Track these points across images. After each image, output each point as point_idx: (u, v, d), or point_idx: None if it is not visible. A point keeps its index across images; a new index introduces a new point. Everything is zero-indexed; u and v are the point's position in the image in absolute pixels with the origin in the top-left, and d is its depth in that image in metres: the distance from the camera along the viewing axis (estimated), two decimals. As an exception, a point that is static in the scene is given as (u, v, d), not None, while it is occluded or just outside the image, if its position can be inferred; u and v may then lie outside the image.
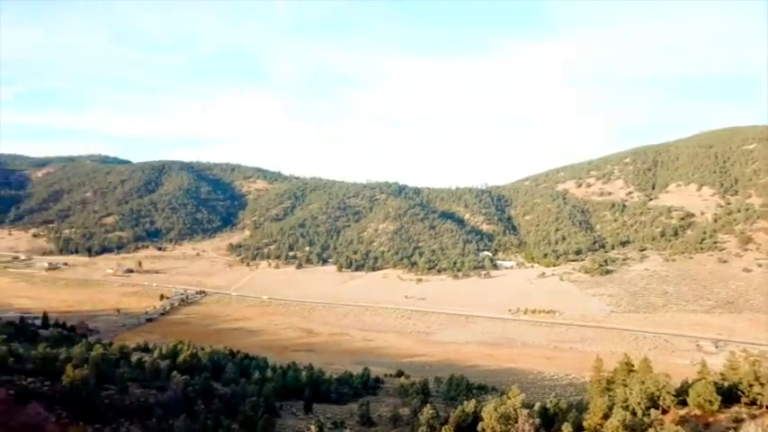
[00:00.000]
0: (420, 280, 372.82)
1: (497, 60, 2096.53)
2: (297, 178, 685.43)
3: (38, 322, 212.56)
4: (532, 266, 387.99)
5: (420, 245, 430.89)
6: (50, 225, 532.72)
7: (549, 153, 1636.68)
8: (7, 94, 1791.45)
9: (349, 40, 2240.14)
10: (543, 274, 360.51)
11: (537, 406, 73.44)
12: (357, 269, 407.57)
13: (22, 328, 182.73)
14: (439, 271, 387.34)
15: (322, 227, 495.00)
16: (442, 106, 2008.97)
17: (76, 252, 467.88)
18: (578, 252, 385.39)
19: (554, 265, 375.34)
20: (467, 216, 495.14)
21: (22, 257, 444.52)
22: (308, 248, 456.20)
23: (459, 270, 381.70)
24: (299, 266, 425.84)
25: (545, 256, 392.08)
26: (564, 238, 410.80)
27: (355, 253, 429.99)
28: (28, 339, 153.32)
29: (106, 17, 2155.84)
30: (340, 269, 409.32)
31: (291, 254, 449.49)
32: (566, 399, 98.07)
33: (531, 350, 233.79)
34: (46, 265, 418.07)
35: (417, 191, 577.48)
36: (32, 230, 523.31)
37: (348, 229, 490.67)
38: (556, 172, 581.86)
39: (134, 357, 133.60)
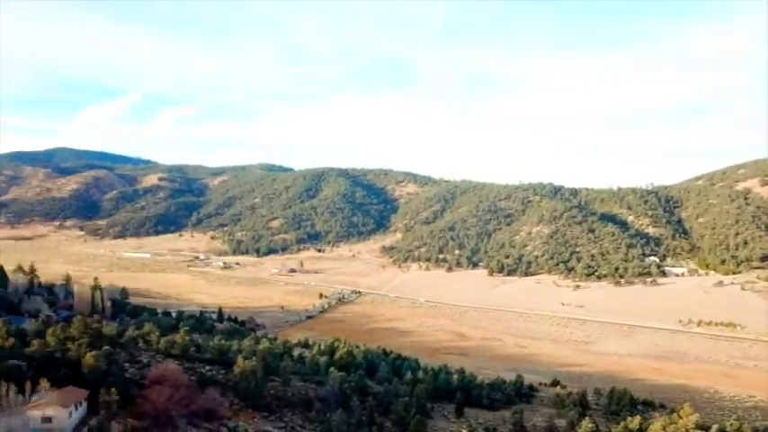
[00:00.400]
0: (578, 286, 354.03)
1: (658, 52, 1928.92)
2: (447, 181, 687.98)
3: (214, 316, 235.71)
4: (707, 274, 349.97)
5: (578, 249, 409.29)
6: (225, 228, 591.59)
7: (725, 150, 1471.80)
8: (192, 111, 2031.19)
9: (503, 41, 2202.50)
10: (721, 282, 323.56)
11: (714, 428, 65.46)
12: (509, 273, 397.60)
13: (202, 321, 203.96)
14: (599, 277, 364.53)
15: (472, 230, 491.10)
16: (600, 103, 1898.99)
17: (247, 253, 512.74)
18: (765, 258, 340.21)
19: (734, 273, 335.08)
20: (630, 218, 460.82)
21: (202, 257, 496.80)
22: (457, 252, 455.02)
23: (621, 276, 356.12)
24: (449, 269, 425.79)
25: (722, 262, 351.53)
26: (746, 243, 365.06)
27: (507, 257, 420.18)
28: (206, 331, 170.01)
29: (274, 34, 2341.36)
30: (491, 273, 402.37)
31: (441, 256, 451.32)
32: (749, 423, 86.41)
33: (705, 366, 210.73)
34: (221, 264, 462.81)
35: (574, 192, 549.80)
36: (210, 233, 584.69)
37: (499, 233, 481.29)
38: (735, 169, 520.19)
39: (296, 352, 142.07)
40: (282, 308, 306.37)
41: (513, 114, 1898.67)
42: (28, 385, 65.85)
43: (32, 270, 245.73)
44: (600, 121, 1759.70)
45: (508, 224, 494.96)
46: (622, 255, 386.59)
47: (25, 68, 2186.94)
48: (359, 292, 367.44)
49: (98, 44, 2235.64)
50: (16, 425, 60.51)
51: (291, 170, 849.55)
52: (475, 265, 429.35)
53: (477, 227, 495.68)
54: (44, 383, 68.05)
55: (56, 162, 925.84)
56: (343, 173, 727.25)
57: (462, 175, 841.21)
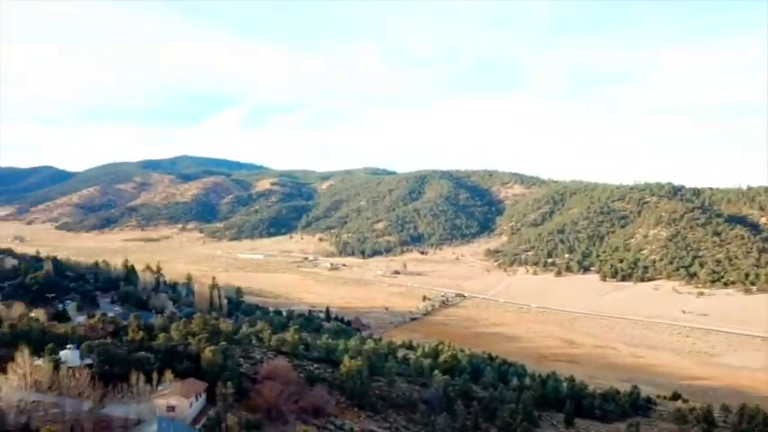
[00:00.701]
0: (701, 293, 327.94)
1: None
2: (555, 182, 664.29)
3: (322, 315, 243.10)
4: None
5: (701, 253, 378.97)
6: (332, 230, 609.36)
7: None
8: (301, 118, 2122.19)
9: (613, 35, 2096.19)
10: None
11: None
12: (623, 279, 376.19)
13: (310, 320, 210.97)
14: (725, 284, 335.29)
15: (583, 233, 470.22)
16: (721, 96, 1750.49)
17: (353, 254, 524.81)
18: None
19: None
20: (762, 220, 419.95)
21: (311, 258, 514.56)
22: (567, 255, 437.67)
23: (752, 284, 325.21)
24: (558, 274, 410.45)
25: None
26: None
27: (621, 261, 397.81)
28: (314, 330, 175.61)
29: (379, 39, 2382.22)
30: (603, 278, 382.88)
31: (550, 260, 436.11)
32: None
33: None
34: (328, 265, 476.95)
35: (696, 192, 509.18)
36: (318, 235, 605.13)
37: (612, 236, 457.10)
38: None
39: (400, 353, 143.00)
40: (387, 309, 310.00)
41: (626, 110, 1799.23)
42: (155, 375, 71.06)
43: (158, 269, 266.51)
44: (722, 115, 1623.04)
45: (622, 226, 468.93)
46: (753, 260, 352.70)
47: (154, 83, 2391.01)
48: (463, 295, 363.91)
49: (217, 58, 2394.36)
50: (145, 411, 65.36)
51: (395, 173, 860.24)
52: (586, 270, 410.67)
53: (588, 229, 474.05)
54: (168, 375, 73.13)
55: (179, 169, 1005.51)
56: (447, 175, 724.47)
57: (572, 176, 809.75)
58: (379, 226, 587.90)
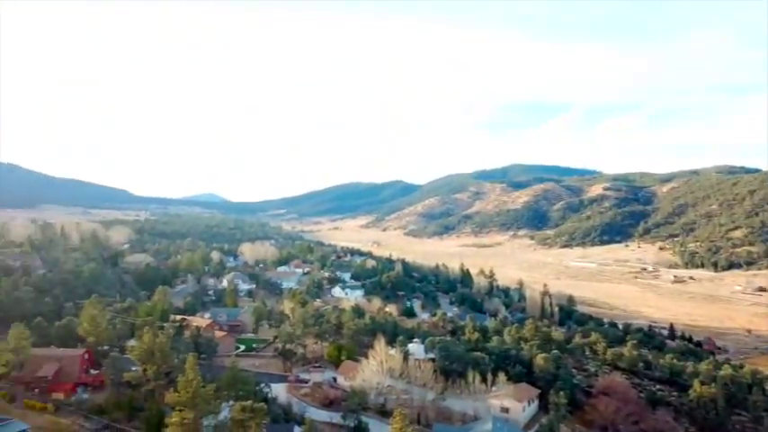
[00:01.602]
0: None
1: None
2: None
3: (664, 332, 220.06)
4: None
5: None
6: (675, 238, 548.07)
7: None
8: (636, 118, 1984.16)
9: None
10: None
11: None
12: None
13: (651, 337, 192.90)
14: None
15: None
16: None
17: (701, 266, 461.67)
18: None
19: None
20: None
21: (649, 269, 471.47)
22: None
23: None
24: None
25: None
26: None
27: None
28: (655, 348, 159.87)
29: (727, 20, 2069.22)
30: None
31: None
32: None
33: None
34: (671, 277, 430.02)
35: None
36: (658, 243, 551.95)
37: None
38: None
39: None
40: (749, 332, 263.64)
41: None
42: (489, 376, 73.93)
43: (491, 274, 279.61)
44: None
45: None
46: None
47: (485, 98, 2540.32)
48: None
49: (546, 65, 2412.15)
50: (480, 409, 68.47)
51: (758, 171, 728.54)
52: None
53: None
54: (502, 377, 75.25)
55: (509, 177, 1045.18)
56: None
57: None
58: (737, 234, 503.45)
